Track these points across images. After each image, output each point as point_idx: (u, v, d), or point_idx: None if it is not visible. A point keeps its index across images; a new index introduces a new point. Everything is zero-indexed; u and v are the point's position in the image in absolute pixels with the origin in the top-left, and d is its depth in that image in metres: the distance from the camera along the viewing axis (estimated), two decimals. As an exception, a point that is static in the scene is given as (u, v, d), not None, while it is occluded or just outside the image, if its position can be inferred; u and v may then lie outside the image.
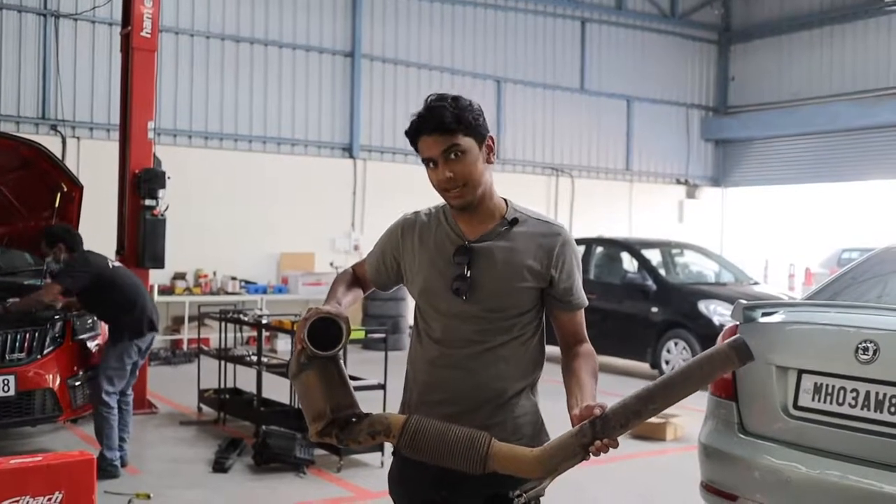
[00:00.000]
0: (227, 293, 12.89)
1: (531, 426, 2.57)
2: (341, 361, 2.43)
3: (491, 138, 2.51)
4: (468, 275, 2.49)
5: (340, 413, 2.32)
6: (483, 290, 2.49)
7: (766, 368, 3.98)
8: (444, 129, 2.41)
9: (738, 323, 4.23)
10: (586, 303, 2.63)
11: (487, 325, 2.50)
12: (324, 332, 2.32)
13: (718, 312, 10.28)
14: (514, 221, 2.54)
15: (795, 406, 3.87)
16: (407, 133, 2.48)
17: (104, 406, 6.30)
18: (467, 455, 2.27)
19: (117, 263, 6.92)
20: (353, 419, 2.34)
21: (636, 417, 2.20)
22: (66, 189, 7.22)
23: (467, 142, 2.44)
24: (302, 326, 2.33)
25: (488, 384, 2.51)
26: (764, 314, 4.22)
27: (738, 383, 4.10)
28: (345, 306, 2.57)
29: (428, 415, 2.48)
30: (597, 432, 2.19)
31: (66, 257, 6.43)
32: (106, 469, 6.09)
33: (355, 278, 2.77)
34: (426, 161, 2.47)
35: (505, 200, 2.59)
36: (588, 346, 2.61)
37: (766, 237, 19.44)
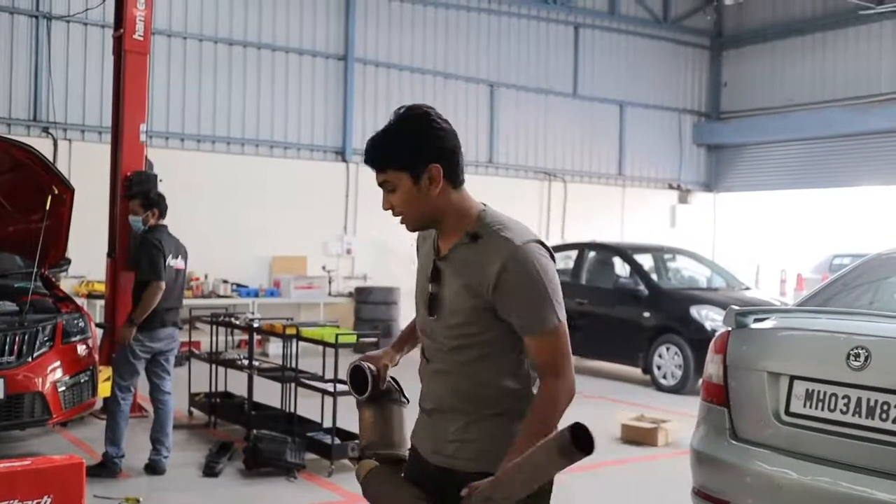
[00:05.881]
0: (218, 296, 12.86)
1: (486, 457, 2.44)
2: (392, 403, 2.71)
3: (435, 168, 2.41)
4: (434, 291, 2.52)
5: (367, 451, 2.66)
6: (444, 307, 2.50)
7: (758, 374, 3.98)
8: (373, 166, 2.46)
9: (730, 328, 4.24)
10: (543, 328, 2.40)
11: (453, 342, 2.50)
12: (364, 377, 2.68)
13: (710, 318, 10.29)
14: (476, 237, 2.46)
15: (787, 412, 3.87)
16: None
17: (113, 400, 6.35)
18: None
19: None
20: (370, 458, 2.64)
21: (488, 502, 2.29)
22: (57, 192, 7.17)
23: (397, 177, 2.43)
24: (347, 371, 2.71)
25: (453, 402, 2.53)
26: (756, 320, 4.22)
27: (730, 389, 4.11)
28: (402, 346, 2.85)
29: (423, 420, 2.64)
30: None
31: (153, 223, 6.56)
32: (105, 465, 6.07)
33: None
34: None
35: (482, 212, 2.50)
36: (549, 388, 2.40)
37: (757, 242, 19.48)
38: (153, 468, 6.37)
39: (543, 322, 2.40)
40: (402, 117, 2.43)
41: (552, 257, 2.47)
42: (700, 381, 6.95)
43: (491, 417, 2.48)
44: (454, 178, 2.45)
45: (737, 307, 4.26)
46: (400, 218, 2.49)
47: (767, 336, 4.17)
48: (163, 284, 6.31)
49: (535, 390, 2.48)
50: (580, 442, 2.14)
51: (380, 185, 2.47)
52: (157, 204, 6.61)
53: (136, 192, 7.21)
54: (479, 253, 2.42)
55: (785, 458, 3.82)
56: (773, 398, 3.91)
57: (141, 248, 6.49)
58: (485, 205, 2.53)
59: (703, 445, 4.22)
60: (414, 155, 2.40)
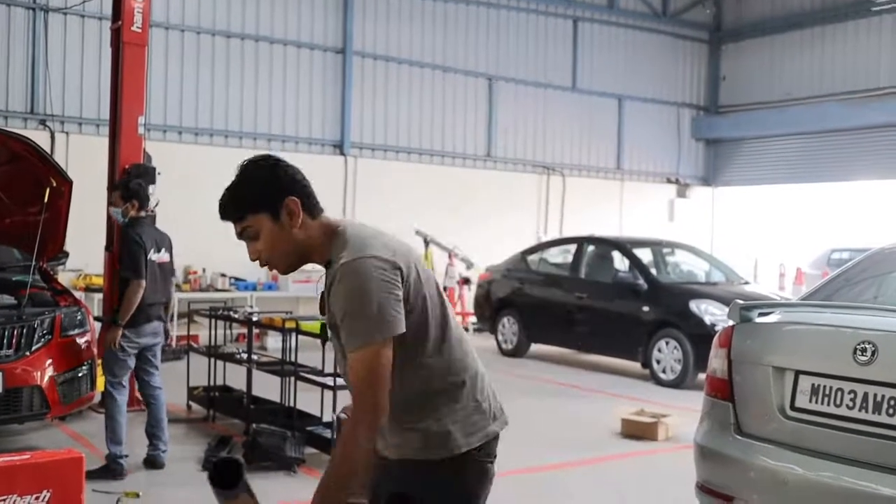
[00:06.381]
0: (216, 290, 12.83)
1: (400, 449, 2.56)
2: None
3: (292, 201, 2.44)
4: (325, 322, 2.58)
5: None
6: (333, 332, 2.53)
7: (763, 369, 3.96)
8: (232, 216, 2.46)
9: (734, 323, 4.21)
10: (352, 346, 2.33)
11: (346, 366, 2.50)
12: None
13: (710, 312, 10.27)
14: (329, 263, 2.48)
15: (792, 407, 3.84)
16: None
17: (108, 396, 6.25)
18: None
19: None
20: None
21: None
22: (55, 184, 7.13)
23: (257, 220, 2.44)
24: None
25: None
26: (760, 314, 4.19)
27: (735, 384, 4.08)
28: None
29: None
30: None
31: (134, 214, 6.38)
32: (109, 467, 6.01)
33: None
34: None
35: (337, 235, 2.50)
36: (350, 419, 2.35)
37: (755, 237, 19.48)
38: (152, 463, 6.33)
39: (353, 339, 2.33)
40: (247, 165, 2.48)
41: (401, 273, 2.39)
42: (700, 375, 6.94)
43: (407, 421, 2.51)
44: (311, 208, 2.49)
45: (741, 301, 4.23)
46: (267, 266, 2.53)
47: (772, 330, 4.14)
48: (143, 282, 6.17)
49: (439, 381, 2.49)
50: (224, 479, 2.23)
51: (240, 235, 2.49)
52: (135, 194, 6.43)
53: (116, 183, 7.06)
54: (329, 277, 2.44)
55: (790, 453, 3.79)
56: (778, 393, 3.89)
57: (122, 244, 6.36)
58: (348, 225, 2.53)
59: (708, 440, 4.20)
60: (269, 191, 2.43)
